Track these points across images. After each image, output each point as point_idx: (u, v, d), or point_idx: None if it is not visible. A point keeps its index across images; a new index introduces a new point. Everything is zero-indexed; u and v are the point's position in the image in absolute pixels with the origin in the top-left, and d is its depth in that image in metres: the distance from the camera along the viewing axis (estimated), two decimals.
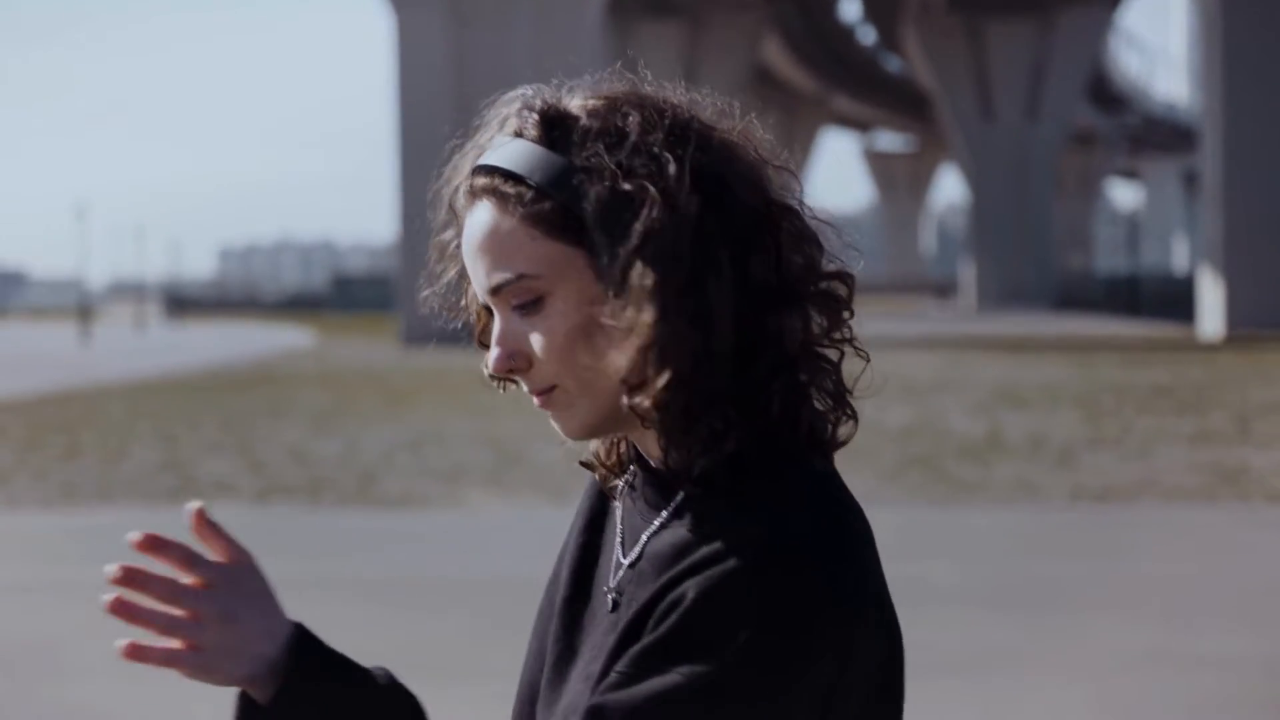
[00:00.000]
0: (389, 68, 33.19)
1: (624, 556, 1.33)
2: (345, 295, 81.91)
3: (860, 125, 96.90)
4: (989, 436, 13.60)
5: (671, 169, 1.25)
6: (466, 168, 1.32)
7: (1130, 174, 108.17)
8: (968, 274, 62.22)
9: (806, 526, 1.21)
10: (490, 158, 1.30)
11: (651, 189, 1.24)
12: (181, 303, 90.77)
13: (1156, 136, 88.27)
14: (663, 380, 1.22)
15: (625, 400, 1.25)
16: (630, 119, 1.28)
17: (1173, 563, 8.09)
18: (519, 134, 1.31)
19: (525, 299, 1.27)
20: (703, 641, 1.17)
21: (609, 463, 1.40)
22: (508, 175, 1.28)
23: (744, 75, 59.86)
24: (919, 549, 8.41)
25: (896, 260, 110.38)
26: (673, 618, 1.19)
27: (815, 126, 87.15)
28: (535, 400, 1.30)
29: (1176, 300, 44.98)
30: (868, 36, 70.17)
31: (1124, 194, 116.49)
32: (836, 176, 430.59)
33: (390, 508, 10.22)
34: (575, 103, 1.31)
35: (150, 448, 13.64)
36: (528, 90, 1.34)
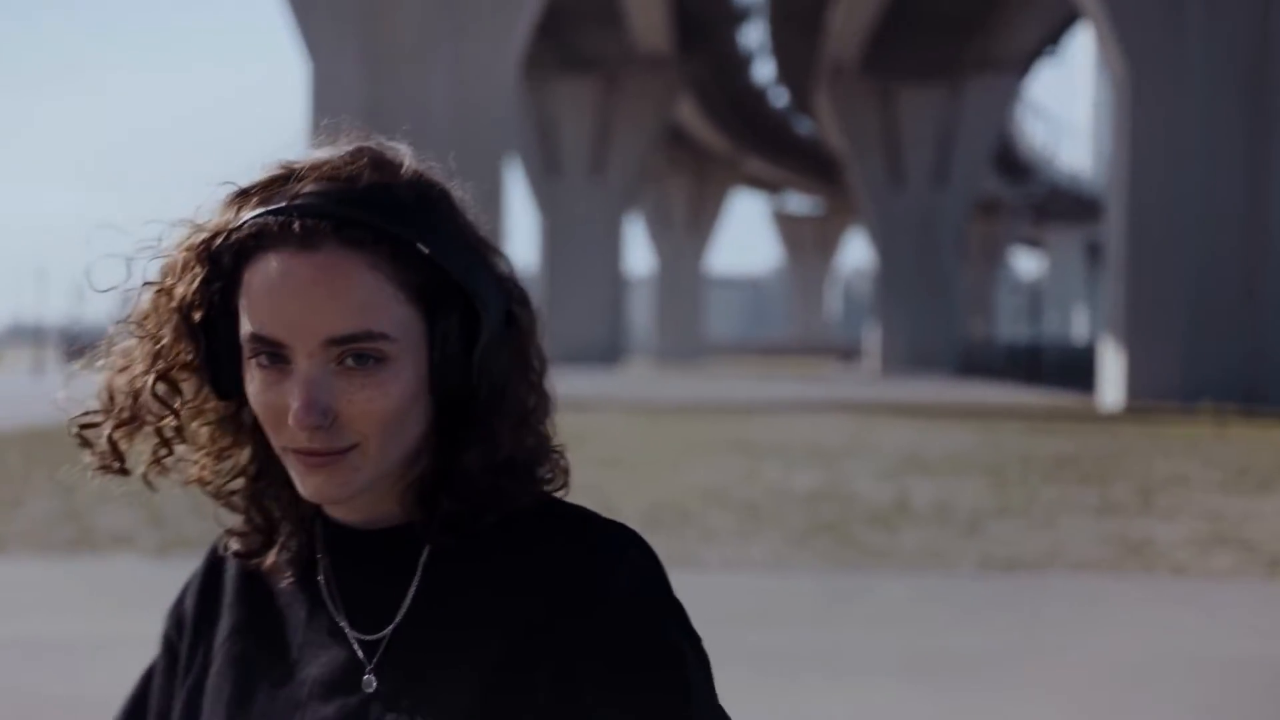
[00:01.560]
0: (304, 116, 33.02)
1: (364, 630, 1.32)
2: None
3: (771, 187, 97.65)
4: (897, 503, 13.62)
5: (504, 265, 1.32)
6: (252, 209, 1.27)
7: (1034, 243, 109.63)
8: (873, 338, 62.68)
9: (617, 525, 1.31)
10: (350, 202, 1.26)
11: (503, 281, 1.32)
12: (83, 346, 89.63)
13: (1060, 206, 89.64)
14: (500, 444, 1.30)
15: (444, 462, 1.29)
16: (455, 195, 1.33)
17: (1082, 635, 8.09)
18: (365, 184, 1.27)
19: (371, 355, 1.24)
20: (664, 649, 1.27)
21: (257, 524, 1.38)
22: (376, 228, 1.25)
23: (658, 134, 60.14)
24: (831, 616, 8.37)
25: (803, 323, 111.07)
26: (625, 637, 1.25)
27: (726, 187, 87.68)
28: (309, 459, 1.25)
29: (1077, 370, 45.50)
30: (780, 99, 70.81)
31: (1027, 263, 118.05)
32: (746, 238, 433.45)
33: None
34: (402, 164, 1.31)
35: (47, 497, 13.37)
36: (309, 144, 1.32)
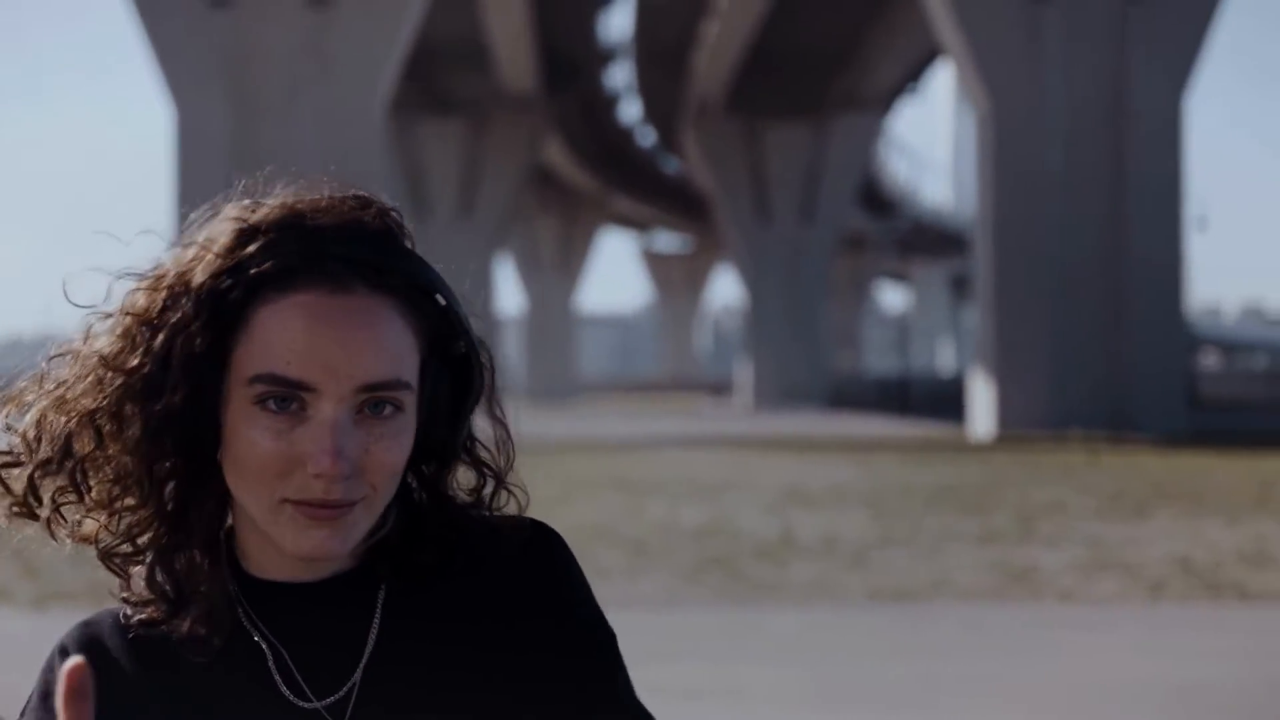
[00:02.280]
0: (169, 160, 32.61)
1: (320, 690, 1.26)
2: None
3: (639, 225, 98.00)
4: (782, 537, 13.67)
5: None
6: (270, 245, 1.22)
7: (899, 277, 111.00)
8: (744, 373, 63.05)
9: (530, 524, 1.35)
10: (376, 248, 1.24)
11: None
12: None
13: (924, 241, 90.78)
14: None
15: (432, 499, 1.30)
16: None
17: (976, 663, 8.16)
18: (376, 230, 1.26)
19: (392, 404, 1.22)
20: (606, 636, 1.35)
21: (161, 589, 1.27)
22: (406, 275, 1.25)
23: (526, 175, 60.12)
24: (727, 651, 8.36)
25: (674, 359, 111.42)
26: (576, 629, 1.31)
27: (595, 226, 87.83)
28: (319, 512, 1.20)
29: (946, 401, 46.02)
30: (647, 138, 71.16)
31: (893, 296, 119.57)
32: (616, 276, 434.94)
33: None
34: (399, 214, 1.31)
35: None
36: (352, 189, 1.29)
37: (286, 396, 1.20)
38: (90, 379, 1.25)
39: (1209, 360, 79.31)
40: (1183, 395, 33.02)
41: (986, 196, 33.60)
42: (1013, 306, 32.46)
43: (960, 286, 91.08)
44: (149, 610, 1.27)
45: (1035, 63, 32.39)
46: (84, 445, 1.25)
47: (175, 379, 1.21)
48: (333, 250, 1.22)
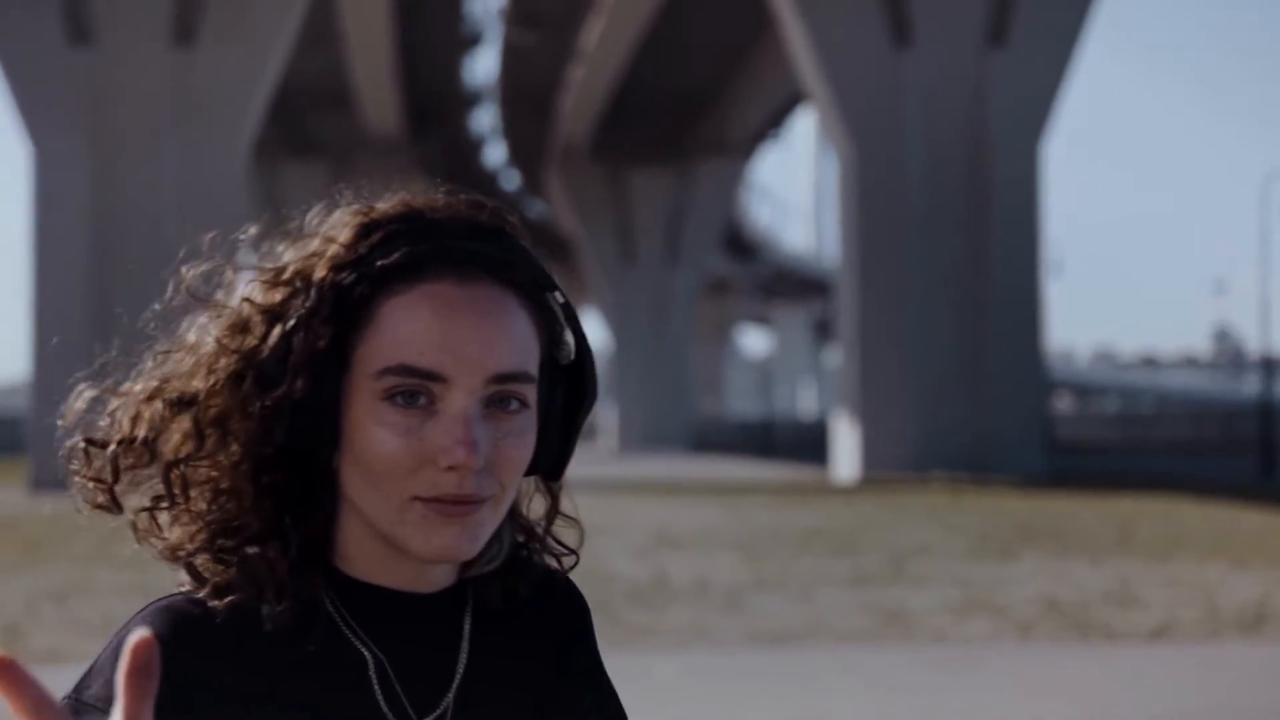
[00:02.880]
0: (26, 200, 32.01)
1: (419, 703, 1.24)
2: None
3: None
4: (655, 580, 13.67)
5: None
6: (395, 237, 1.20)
7: (762, 320, 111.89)
8: (609, 416, 63.08)
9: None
10: (498, 243, 1.23)
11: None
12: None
13: (786, 285, 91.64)
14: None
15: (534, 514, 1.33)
16: None
17: (855, 705, 8.20)
18: (494, 226, 1.25)
19: (519, 399, 1.20)
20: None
21: (240, 584, 1.21)
22: (527, 269, 1.24)
23: None
24: None
25: None
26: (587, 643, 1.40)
27: None
28: (450, 509, 1.17)
29: (809, 444, 46.43)
30: (512, 181, 71.14)
31: (755, 340, 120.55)
32: None
33: (38, 663, 9.61)
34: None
35: None
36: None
37: (415, 391, 1.17)
38: (199, 363, 1.21)
39: (1063, 403, 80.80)
40: (1041, 438, 33.57)
41: (849, 240, 33.97)
42: (876, 350, 32.81)
43: (823, 330, 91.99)
44: (235, 596, 1.20)
45: (897, 106, 32.86)
46: (181, 436, 1.21)
47: (295, 369, 1.18)
48: (457, 242, 1.21)
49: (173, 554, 1.23)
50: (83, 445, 1.24)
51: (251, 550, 1.22)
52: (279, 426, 1.19)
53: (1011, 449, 32.19)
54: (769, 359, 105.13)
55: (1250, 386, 73.39)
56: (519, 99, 57.51)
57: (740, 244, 77.59)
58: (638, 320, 59.04)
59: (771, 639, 10.34)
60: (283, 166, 56.65)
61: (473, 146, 65.32)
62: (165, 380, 1.23)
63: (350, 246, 1.21)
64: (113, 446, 1.23)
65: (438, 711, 1.25)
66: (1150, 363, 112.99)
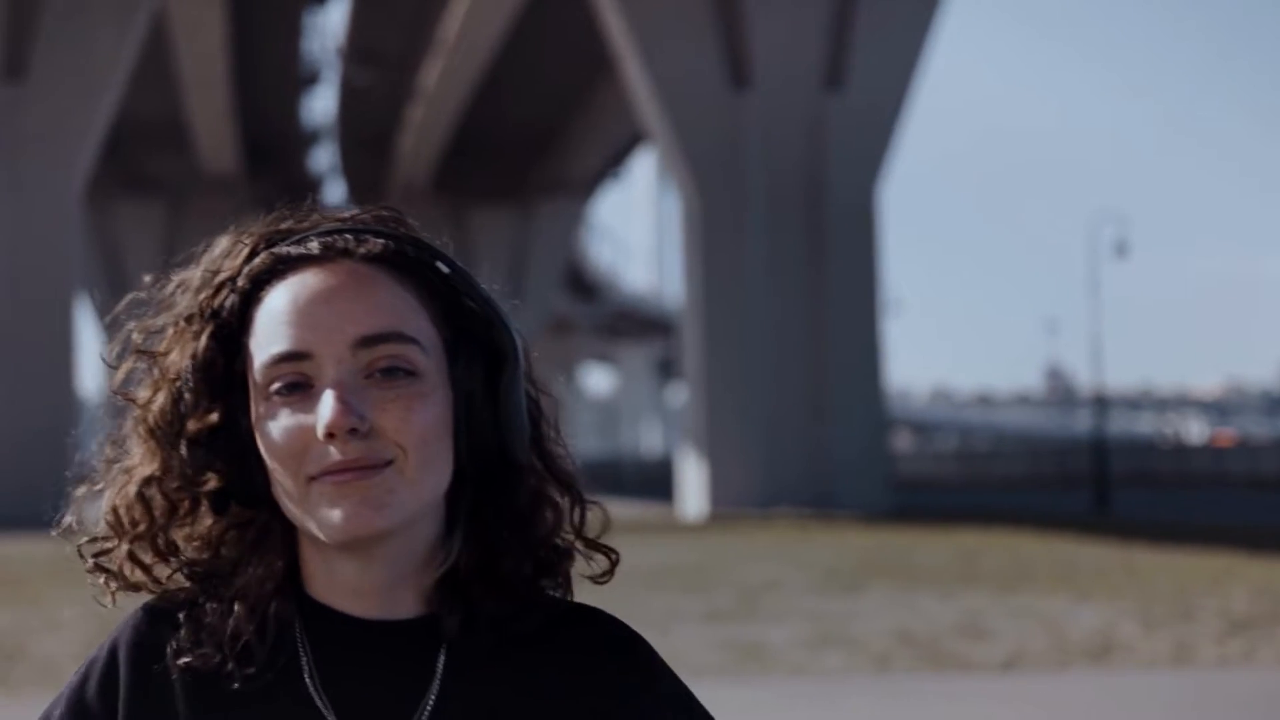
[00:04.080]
0: None
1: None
2: None
3: None
4: None
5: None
6: (257, 243, 1.23)
7: (605, 359, 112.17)
8: None
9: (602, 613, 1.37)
10: (366, 226, 1.24)
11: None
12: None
13: (628, 325, 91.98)
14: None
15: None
16: None
17: None
18: (375, 215, 1.26)
19: (402, 366, 1.18)
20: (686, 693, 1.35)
21: (209, 625, 1.25)
22: (396, 241, 1.23)
23: None
24: None
25: None
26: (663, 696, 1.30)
27: None
28: (343, 476, 1.15)
29: (655, 481, 46.52)
30: None
31: (599, 379, 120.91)
32: None
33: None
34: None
35: None
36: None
37: (294, 381, 1.17)
38: (139, 436, 1.24)
39: (903, 441, 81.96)
40: (883, 474, 33.95)
41: (692, 278, 34.16)
42: (721, 388, 32.98)
43: (666, 369, 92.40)
44: (200, 654, 1.22)
45: (737, 146, 33.14)
46: (157, 505, 1.23)
47: (201, 402, 1.20)
48: (319, 237, 1.22)
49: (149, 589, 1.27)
50: (91, 560, 1.26)
51: (220, 583, 1.24)
52: (211, 453, 1.20)
53: (854, 485, 32.52)
54: (613, 397, 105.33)
55: (1081, 423, 75.11)
56: (358, 138, 57.18)
57: (582, 283, 77.76)
58: None
59: None
60: (118, 205, 55.67)
61: (312, 185, 64.67)
62: (122, 464, 1.26)
63: (224, 268, 1.23)
64: (126, 547, 1.24)
65: None
66: (986, 401, 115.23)
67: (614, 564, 1.34)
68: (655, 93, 32.87)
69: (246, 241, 1.24)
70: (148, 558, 1.23)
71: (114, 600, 1.25)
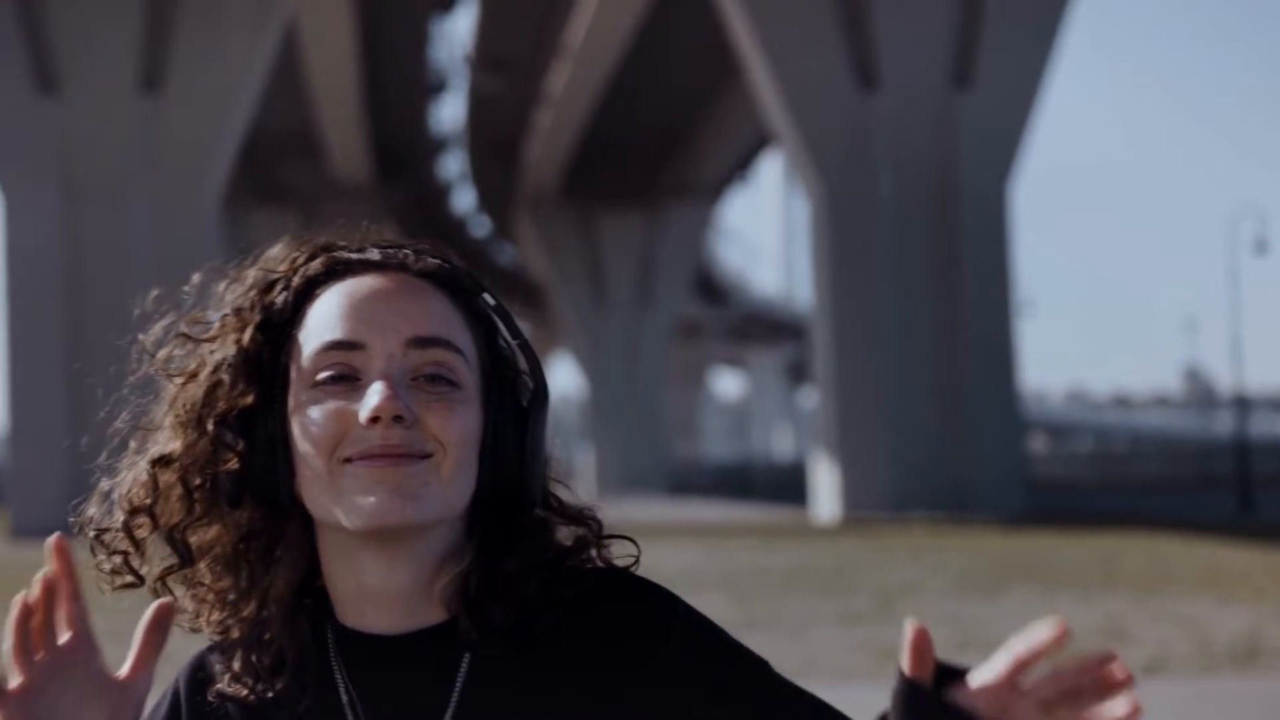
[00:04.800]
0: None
1: None
2: None
3: None
4: None
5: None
6: (312, 256, 1.28)
7: (735, 363, 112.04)
8: (586, 460, 62.94)
9: (641, 578, 1.39)
10: (421, 250, 1.30)
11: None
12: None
13: (757, 329, 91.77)
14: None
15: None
16: None
17: None
18: (428, 248, 1.31)
19: (446, 375, 1.20)
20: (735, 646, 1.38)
21: (256, 664, 1.28)
22: (449, 265, 1.28)
23: None
24: None
25: None
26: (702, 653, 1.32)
27: None
28: (381, 460, 1.17)
29: (787, 485, 46.36)
30: (482, 227, 71.14)
31: (729, 383, 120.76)
32: None
33: None
34: None
35: None
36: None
37: (342, 373, 1.19)
38: (174, 421, 1.26)
39: (1038, 443, 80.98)
40: (1019, 477, 33.54)
41: (822, 282, 33.99)
42: (853, 390, 32.77)
43: (796, 372, 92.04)
44: (242, 685, 1.25)
45: (864, 148, 32.90)
46: (176, 501, 1.25)
47: (239, 385, 1.23)
48: (378, 250, 1.28)
49: (191, 628, 1.29)
50: (93, 535, 1.27)
51: (255, 621, 1.26)
52: (233, 439, 1.22)
53: (989, 488, 32.13)
54: (743, 402, 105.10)
55: (1221, 424, 73.70)
56: (486, 144, 57.56)
57: (711, 287, 77.68)
58: (611, 363, 58.94)
59: None
60: (252, 214, 56.51)
61: (441, 192, 65.32)
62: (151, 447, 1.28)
63: (280, 268, 1.28)
64: (123, 517, 1.25)
65: None
66: (1123, 402, 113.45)
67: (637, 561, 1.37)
68: (782, 94, 32.73)
69: (304, 248, 1.29)
70: (143, 532, 1.25)
71: (111, 587, 1.27)
